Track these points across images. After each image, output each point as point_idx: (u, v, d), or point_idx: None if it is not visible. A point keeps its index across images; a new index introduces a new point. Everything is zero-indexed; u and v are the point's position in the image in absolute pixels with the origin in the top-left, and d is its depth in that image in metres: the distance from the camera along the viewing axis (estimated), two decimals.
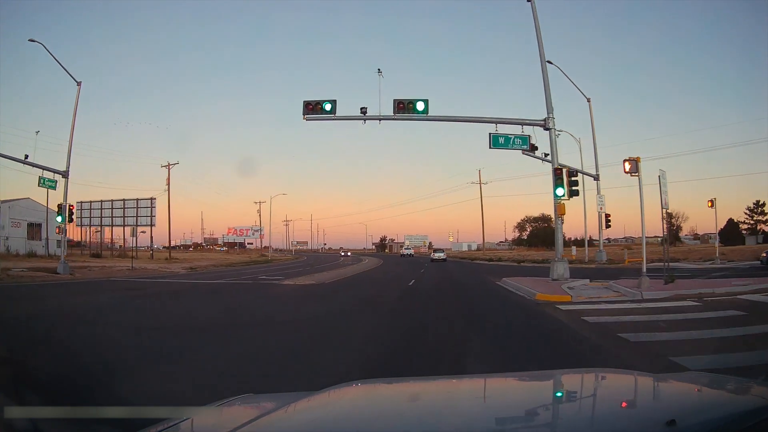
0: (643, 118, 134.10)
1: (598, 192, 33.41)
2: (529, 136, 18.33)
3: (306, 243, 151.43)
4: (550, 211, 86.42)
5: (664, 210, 14.95)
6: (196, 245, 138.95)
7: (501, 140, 18.31)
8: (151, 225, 48.50)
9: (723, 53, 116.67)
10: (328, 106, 18.72)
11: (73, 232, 64.02)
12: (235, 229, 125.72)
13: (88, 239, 63.11)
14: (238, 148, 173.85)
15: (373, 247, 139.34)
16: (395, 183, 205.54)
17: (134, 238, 40.01)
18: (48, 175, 27.16)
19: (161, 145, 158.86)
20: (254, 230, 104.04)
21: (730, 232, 62.14)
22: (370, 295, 16.44)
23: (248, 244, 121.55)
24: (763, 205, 66.00)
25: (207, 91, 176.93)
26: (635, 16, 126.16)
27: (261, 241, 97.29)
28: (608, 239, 50.85)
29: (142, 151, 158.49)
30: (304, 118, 18.78)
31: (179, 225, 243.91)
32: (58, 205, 28.16)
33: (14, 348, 7.12)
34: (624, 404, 1.90)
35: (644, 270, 13.97)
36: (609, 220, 32.97)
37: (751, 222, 67.16)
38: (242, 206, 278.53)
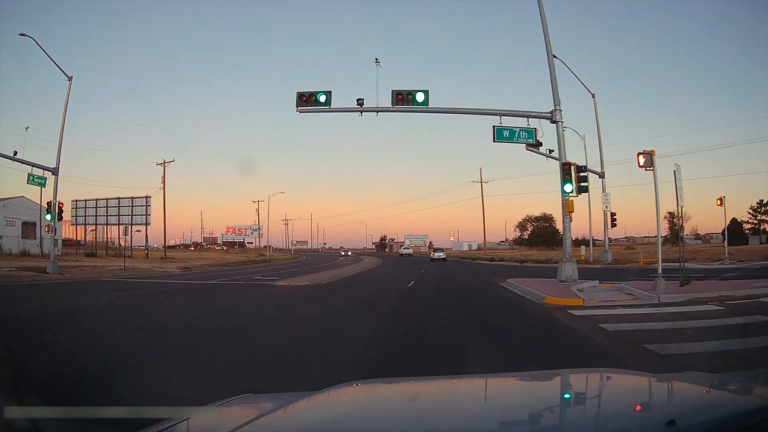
0: (643, 117, 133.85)
1: (604, 190, 32.54)
2: (535, 129, 17.34)
3: (306, 242, 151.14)
4: (551, 211, 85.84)
5: (680, 207, 14.03)
6: (196, 244, 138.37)
7: (506, 133, 17.29)
8: (146, 224, 47.87)
9: (723, 53, 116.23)
10: (322, 98, 17.74)
11: (69, 231, 63.59)
12: (234, 229, 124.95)
13: (86, 238, 62.56)
14: (237, 147, 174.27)
15: (373, 246, 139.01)
16: (395, 182, 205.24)
17: (126, 237, 39.22)
18: (38, 172, 26.59)
19: (161, 144, 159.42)
20: (253, 229, 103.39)
21: (734, 232, 61.37)
22: (369, 295, 16.02)
23: (248, 243, 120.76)
24: (767, 204, 65.37)
25: (207, 91, 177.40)
26: (635, 16, 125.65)
27: (259, 241, 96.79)
28: (609, 239, 50.06)
29: (143, 151, 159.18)
30: (297, 110, 17.82)
31: (179, 224, 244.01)
32: (48, 202, 27.37)
33: None
34: (624, 404, 1.87)
35: (659, 271, 13.06)
36: (615, 219, 32.13)
37: (755, 222, 67.06)
38: (242, 206, 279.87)
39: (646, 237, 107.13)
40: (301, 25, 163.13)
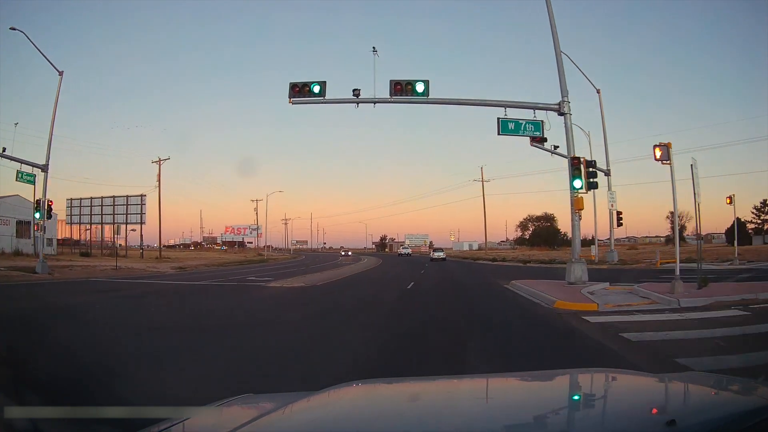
0: (643, 117, 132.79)
1: (610, 188, 31.53)
2: (542, 121, 16.34)
3: (306, 242, 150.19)
4: (552, 210, 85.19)
5: (698, 203, 13.11)
6: (196, 244, 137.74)
7: (511, 126, 16.27)
8: (141, 222, 47.09)
9: (723, 53, 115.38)
10: (316, 88, 16.79)
11: (65, 230, 62.83)
12: (233, 228, 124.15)
13: (83, 238, 61.85)
14: (237, 147, 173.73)
15: (373, 246, 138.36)
16: (395, 182, 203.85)
17: (118, 236, 38.55)
18: (27, 169, 25.87)
19: (161, 144, 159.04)
20: (252, 229, 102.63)
21: (738, 232, 60.69)
22: (369, 295, 15.45)
23: (248, 243, 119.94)
24: None
25: (207, 91, 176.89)
26: (636, 16, 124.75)
27: (259, 240, 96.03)
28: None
29: (143, 151, 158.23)
30: (290, 102, 16.94)
31: (179, 224, 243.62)
32: (37, 200, 26.61)
33: None
34: (624, 404, 1.84)
35: (677, 272, 12.16)
36: (621, 218, 31.19)
37: (758, 221, 66.34)
38: (242, 205, 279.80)
39: (647, 237, 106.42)
40: (300, 25, 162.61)
